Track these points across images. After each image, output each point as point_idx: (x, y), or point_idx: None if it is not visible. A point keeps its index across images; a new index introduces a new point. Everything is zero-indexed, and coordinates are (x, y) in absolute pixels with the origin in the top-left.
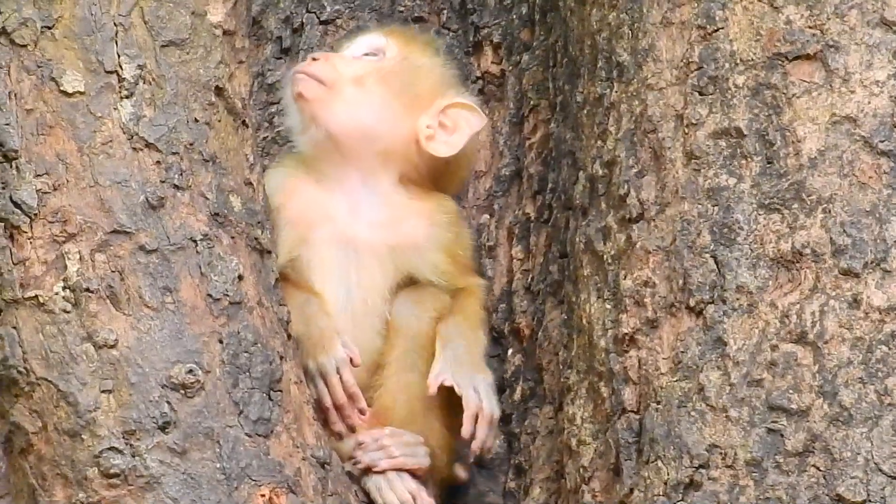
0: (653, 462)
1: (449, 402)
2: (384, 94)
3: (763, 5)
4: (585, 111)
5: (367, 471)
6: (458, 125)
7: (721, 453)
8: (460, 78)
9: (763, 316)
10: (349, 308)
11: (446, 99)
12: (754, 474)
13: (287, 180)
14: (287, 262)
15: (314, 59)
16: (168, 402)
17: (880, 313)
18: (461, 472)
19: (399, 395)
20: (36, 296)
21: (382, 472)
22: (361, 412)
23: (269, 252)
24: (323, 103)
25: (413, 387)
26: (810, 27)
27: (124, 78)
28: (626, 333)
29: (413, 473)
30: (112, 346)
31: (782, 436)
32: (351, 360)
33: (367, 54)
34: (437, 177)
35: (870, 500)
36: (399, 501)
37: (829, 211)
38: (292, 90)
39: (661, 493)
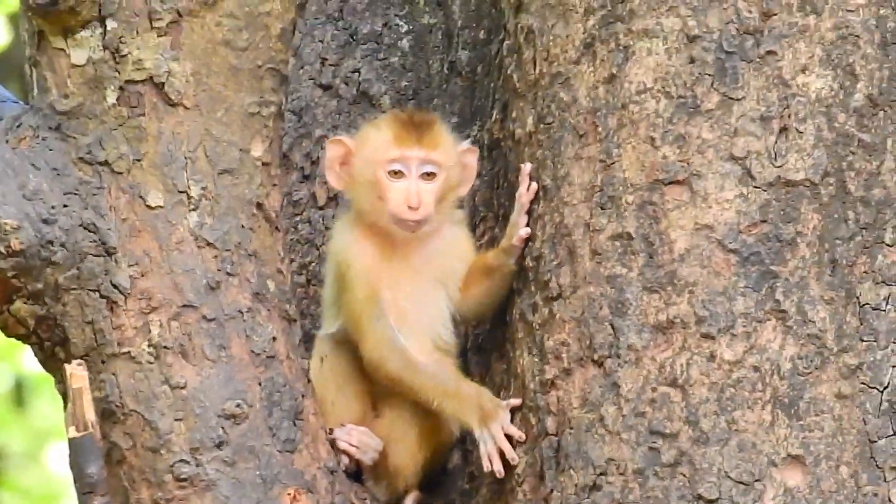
0: (567, 471)
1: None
2: (450, 191)
3: (646, 145)
4: None
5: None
6: (467, 165)
7: (616, 465)
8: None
9: (646, 367)
10: None
11: (457, 151)
12: (639, 480)
13: None
14: None
15: (413, 209)
16: (222, 428)
17: (729, 365)
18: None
19: (401, 430)
20: (128, 351)
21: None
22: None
23: (295, 320)
24: (423, 225)
25: (407, 426)
26: (680, 161)
27: (192, 196)
28: (549, 379)
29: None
30: (182, 388)
31: (659, 452)
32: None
33: (427, 174)
34: None
35: (721, 498)
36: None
37: (693, 292)
38: (400, 228)
39: (572, 493)
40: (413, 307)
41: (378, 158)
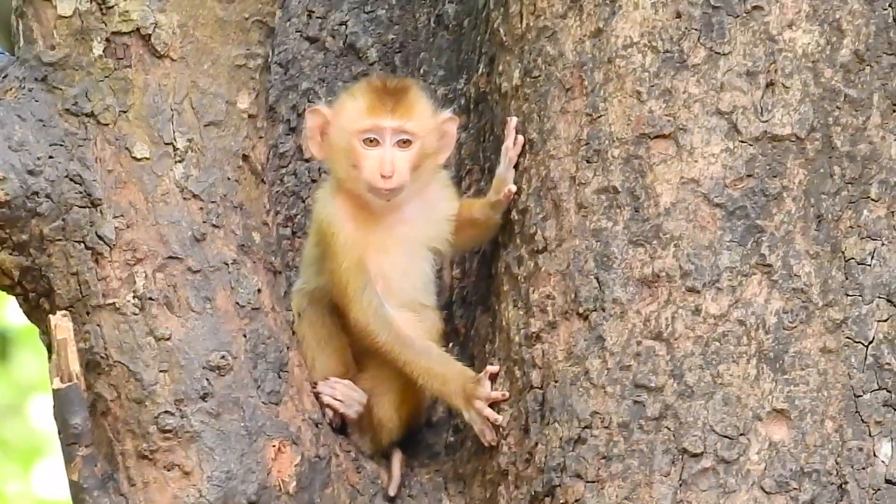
0: (552, 424)
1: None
2: (427, 159)
3: (632, 99)
4: None
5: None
6: (447, 133)
7: (600, 418)
8: (427, 88)
9: (631, 320)
10: None
11: (436, 120)
12: (624, 433)
13: None
14: None
15: (386, 177)
16: (207, 379)
17: (714, 319)
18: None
19: (385, 383)
20: (113, 303)
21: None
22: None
23: (280, 272)
24: (397, 193)
25: (390, 379)
26: (666, 115)
27: (178, 148)
28: (534, 332)
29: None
30: (167, 339)
31: (644, 405)
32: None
33: (402, 142)
34: None
35: (706, 452)
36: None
37: (679, 246)
38: (375, 196)
39: (557, 446)
40: (398, 274)
41: (352, 128)
